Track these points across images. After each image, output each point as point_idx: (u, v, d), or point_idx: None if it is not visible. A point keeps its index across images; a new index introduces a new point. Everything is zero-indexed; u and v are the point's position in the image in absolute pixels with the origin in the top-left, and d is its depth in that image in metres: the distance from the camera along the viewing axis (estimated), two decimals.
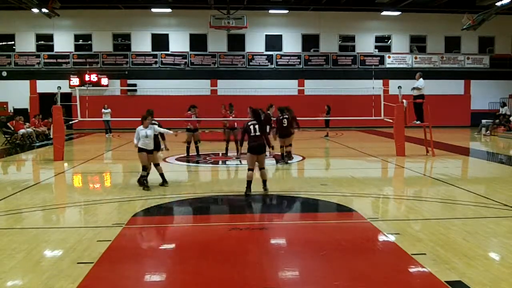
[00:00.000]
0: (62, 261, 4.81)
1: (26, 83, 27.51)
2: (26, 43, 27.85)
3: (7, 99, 27.29)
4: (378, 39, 29.72)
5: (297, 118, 13.12)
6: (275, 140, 12.06)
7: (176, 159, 13.35)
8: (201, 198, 8.29)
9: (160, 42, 28.35)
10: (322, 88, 25.81)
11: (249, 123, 8.43)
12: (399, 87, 14.55)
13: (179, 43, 28.41)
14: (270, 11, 27.85)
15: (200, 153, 13.98)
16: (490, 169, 12.11)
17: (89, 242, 5.45)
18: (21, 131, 18.23)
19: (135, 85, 27.19)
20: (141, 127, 9.17)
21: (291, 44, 28.94)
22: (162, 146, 9.82)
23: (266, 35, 28.84)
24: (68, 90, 22.45)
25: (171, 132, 10.16)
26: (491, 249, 5.29)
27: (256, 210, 7.68)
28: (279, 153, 12.35)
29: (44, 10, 23.33)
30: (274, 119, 12.54)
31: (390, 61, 29.26)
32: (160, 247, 5.49)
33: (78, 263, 4.74)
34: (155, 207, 7.44)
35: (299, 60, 28.84)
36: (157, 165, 9.38)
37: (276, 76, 28.03)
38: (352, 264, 4.82)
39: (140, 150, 9.02)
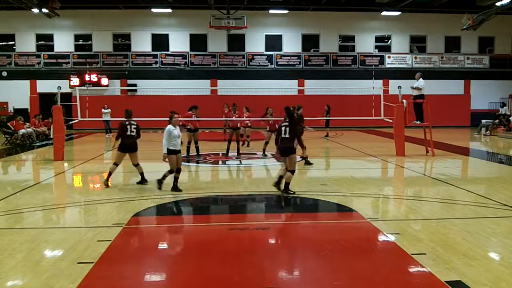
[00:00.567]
0: (62, 261, 4.81)
1: (26, 83, 27.51)
2: (26, 43, 27.85)
3: (7, 99, 27.30)
4: (378, 39, 29.72)
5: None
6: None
7: None
8: (201, 198, 8.29)
9: (160, 42, 28.36)
10: (322, 88, 25.78)
11: (282, 124, 8.35)
12: (399, 87, 14.56)
13: (179, 43, 28.41)
14: (270, 11, 27.86)
15: (200, 153, 13.99)
16: (490, 169, 12.12)
17: (89, 242, 5.45)
18: (21, 131, 18.24)
19: (135, 85, 27.19)
20: (171, 126, 8.50)
21: (291, 44, 28.94)
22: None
23: (266, 35, 28.84)
24: (68, 90, 22.45)
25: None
26: (491, 249, 5.29)
27: (256, 210, 7.69)
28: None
29: (44, 10, 23.33)
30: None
31: (390, 61, 29.27)
32: (160, 247, 5.49)
33: (78, 263, 4.74)
34: (155, 207, 7.44)
35: (299, 60, 28.85)
36: (137, 165, 9.15)
37: (276, 76, 28.03)
38: (352, 264, 4.82)
39: (171, 152, 8.46)
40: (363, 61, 29.10)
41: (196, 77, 27.49)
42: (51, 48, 28.00)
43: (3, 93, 27.06)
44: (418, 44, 29.71)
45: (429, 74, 25.36)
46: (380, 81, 24.76)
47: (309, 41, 29.16)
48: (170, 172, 8.53)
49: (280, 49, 28.89)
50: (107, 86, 27.04)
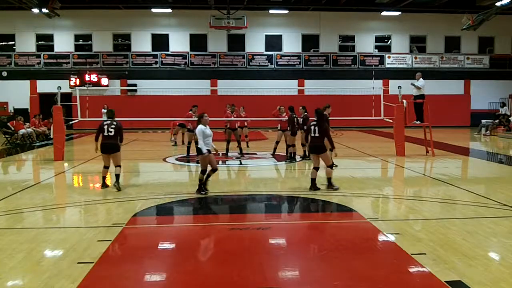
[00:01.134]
0: (62, 261, 4.81)
1: (26, 83, 27.53)
2: (26, 43, 27.87)
3: (7, 99, 27.32)
4: (378, 39, 29.73)
5: (298, 118, 13.22)
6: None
7: (176, 159, 13.36)
8: (201, 198, 8.29)
9: (160, 42, 28.37)
10: (322, 88, 25.80)
11: (311, 124, 8.65)
12: (399, 87, 14.57)
13: (179, 43, 28.43)
14: (270, 11, 27.87)
15: None
16: (490, 169, 12.12)
17: (89, 242, 5.45)
18: (21, 131, 18.24)
19: (135, 85, 27.21)
20: (203, 126, 8.20)
21: (291, 44, 28.96)
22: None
23: (266, 35, 28.86)
24: (68, 90, 22.48)
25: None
26: (491, 249, 5.29)
27: (256, 210, 7.68)
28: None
29: (44, 10, 23.35)
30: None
31: (390, 61, 29.28)
32: (160, 247, 5.49)
33: (78, 263, 4.74)
34: (155, 207, 7.44)
35: (299, 60, 28.85)
36: (117, 166, 8.64)
37: (276, 76, 28.05)
38: (352, 264, 4.82)
39: (207, 152, 8.16)
40: (363, 61, 29.11)
41: (196, 77, 27.51)
42: (51, 48, 28.02)
43: (3, 93, 27.09)
44: (418, 44, 29.73)
45: (429, 74, 25.38)
46: (380, 81, 24.78)
47: (309, 41, 29.17)
48: (203, 172, 8.26)
49: (280, 49, 28.90)
50: (107, 86, 27.05)
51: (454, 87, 29.34)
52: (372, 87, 18.64)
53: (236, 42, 28.56)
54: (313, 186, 8.50)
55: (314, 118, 8.67)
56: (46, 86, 26.24)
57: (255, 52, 28.71)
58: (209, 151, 8.15)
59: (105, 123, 8.73)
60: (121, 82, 27.67)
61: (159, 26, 28.39)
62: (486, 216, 6.62)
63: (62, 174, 11.29)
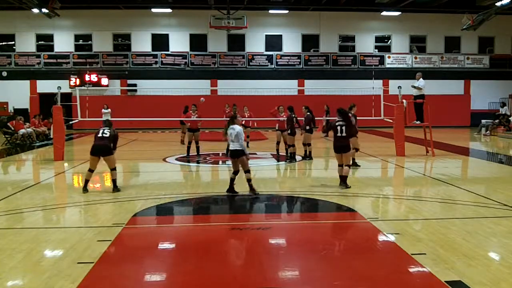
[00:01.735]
0: (62, 261, 4.80)
1: (26, 83, 27.53)
2: (26, 43, 27.87)
3: (7, 99, 27.32)
4: (378, 39, 29.73)
5: (298, 118, 13.20)
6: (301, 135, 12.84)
7: (176, 159, 13.36)
8: (201, 198, 8.29)
9: (160, 42, 28.37)
10: (322, 88, 25.81)
11: (337, 123, 8.78)
12: (399, 87, 14.56)
13: (179, 43, 28.43)
14: (270, 11, 27.87)
15: (200, 153, 14.01)
16: (490, 169, 12.11)
17: (89, 242, 5.45)
18: (21, 131, 18.24)
19: (135, 85, 27.21)
20: (239, 126, 8.19)
21: (291, 44, 28.95)
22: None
23: (266, 35, 28.86)
24: (68, 90, 22.48)
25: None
26: (491, 249, 5.29)
27: (256, 210, 7.68)
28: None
29: (44, 10, 23.34)
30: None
31: (390, 61, 29.28)
32: (160, 247, 5.49)
33: (78, 263, 4.74)
34: (155, 207, 7.44)
35: (299, 60, 28.85)
36: (113, 169, 8.50)
37: (276, 76, 28.05)
38: (352, 264, 4.82)
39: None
40: (363, 61, 29.11)
41: (196, 77, 27.50)
42: (51, 48, 28.02)
43: (3, 93, 27.09)
44: (418, 44, 29.73)
45: (429, 74, 25.35)
46: (380, 81, 24.76)
47: (309, 41, 29.17)
48: (235, 173, 8.17)
49: (280, 49, 28.90)
50: (107, 86, 27.06)
51: (454, 87, 29.34)
52: (372, 87, 18.63)
53: (236, 42, 28.57)
54: (344, 183, 8.72)
55: (339, 118, 8.82)
56: (46, 86, 26.23)
57: (255, 52, 28.72)
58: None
59: (101, 127, 8.69)
60: (121, 82, 27.67)
61: (159, 26, 28.39)
62: (486, 216, 6.62)
63: (62, 174, 11.29)
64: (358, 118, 11.62)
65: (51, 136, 14.37)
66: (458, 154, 14.78)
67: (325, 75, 28.16)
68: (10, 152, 15.98)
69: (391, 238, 5.61)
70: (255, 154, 14.57)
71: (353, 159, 11.34)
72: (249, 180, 8.11)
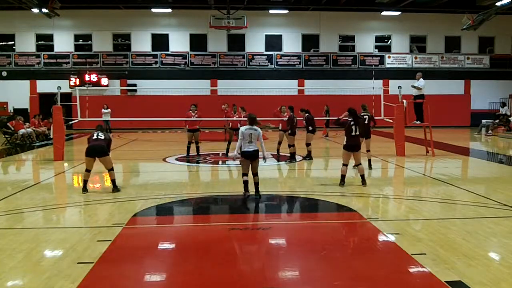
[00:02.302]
0: (62, 261, 4.80)
1: (26, 83, 27.52)
2: (26, 43, 27.86)
3: (7, 99, 27.31)
4: (378, 39, 29.73)
5: (297, 118, 13.22)
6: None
7: (176, 159, 13.36)
8: (201, 198, 8.29)
9: (160, 42, 28.37)
10: (322, 88, 25.82)
11: (351, 123, 8.94)
12: (399, 87, 14.56)
13: (179, 43, 28.42)
14: (270, 11, 27.87)
15: (200, 153, 14.00)
16: (490, 169, 12.11)
17: (89, 242, 5.45)
18: (21, 131, 18.23)
19: (135, 85, 27.20)
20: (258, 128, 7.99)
21: (291, 44, 28.95)
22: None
23: (266, 35, 28.85)
24: (68, 90, 22.47)
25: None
26: (491, 249, 5.29)
27: (256, 210, 7.68)
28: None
29: (44, 10, 23.33)
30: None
31: (390, 61, 29.27)
32: (160, 247, 5.49)
33: (78, 263, 4.74)
34: (155, 207, 7.44)
35: (299, 60, 28.85)
36: (110, 170, 8.52)
37: (276, 76, 28.04)
38: (352, 264, 4.82)
39: (245, 154, 7.92)
40: (363, 61, 29.11)
41: (196, 77, 27.50)
42: (51, 48, 28.02)
43: (3, 93, 27.08)
44: (418, 44, 29.73)
45: (429, 74, 25.36)
46: (380, 81, 24.78)
47: (309, 41, 29.17)
48: (246, 175, 7.90)
49: (280, 49, 28.90)
50: (107, 86, 27.05)
51: (454, 87, 29.34)
52: (372, 87, 18.64)
53: (236, 42, 28.56)
54: (342, 182, 8.88)
55: (351, 118, 9.02)
56: (46, 86, 26.22)
57: (255, 52, 28.71)
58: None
59: (94, 132, 8.69)
60: (121, 82, 27.67)
61: (159, 26, 28.38)
62: (486, 216, 6.62)
63: (62, 174, 11.29)
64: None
65: (51, 136, 14.35)
66: (458, 154, 14.78)
67: (325, 75, 28.16)
68: (10, 152, 15.98)
69: (391, 238, 5.61)
70: None
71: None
72: (258, 183, 7.86)
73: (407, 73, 24.14)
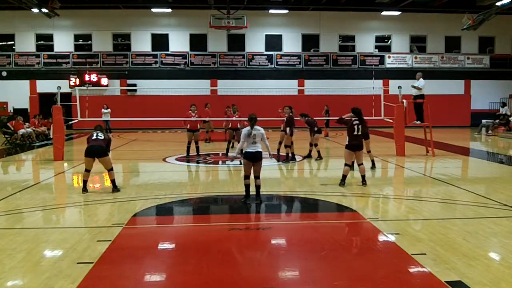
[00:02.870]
0: (62, 261, 4.80)
1: (26, 83, 27.53)
2: (26, 43, 27.86)
3: (7, 99, 27.32)
4: (378, 39, 29.73)
5: (296, 118, 13.23)
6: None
7: (176, 159, 13.36)
8: (201, 198, 8.29)
9: (160, 42, 28.37)
10: (322, 88, 25.82)
11: (354, 123, 9.00)
12: (399, 87, 14.55)
13: (179, 43, 28.42)
14: (270, 11, 27.86)
15: (200, 153, 14.00)
16: (490, 169, 12.11)
17: (89, 242, 5.45)
18: (21, 131, 18.23)
19: (135, 85, 27.20)
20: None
21: (291, 44, 28.95)
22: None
23: (266, 35, 28.85)
24: (68, 90, 22.48)
25: None
26: (491, 249, 5.28)
27: (256, 210, 7.68)
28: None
29: (44, 10, 23.34)
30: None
31: (390, 61, 29.27)
32: (160, 247, 5.49)
33: (78, 263, 4.73)
34: (155, 207, 7.44)
35: (299, 60, 28.84)
36: (109, 170, 8.50)
37: (276, 76, 28.04)
38: (352, 264, 4.82)
39: (247, 155, 7.72)
40: (363, 61, 29.10)
41: (196, 77, 27.51)
42: (51, 48, 28.02)
43: (3, 93, 27.09)
44: (418, 44, 29.73)
45: (429, 74, 25.35)
46: (380, 81, 24.79)
47: (309, 41, 29.17)
48: (248, 178, 7.66)
49: (280, 49, 28.90)
50: (107, 86, 27.05)
51: (454, 87, 29.34)
52: (372, 87, 18.63)
53: (236, 42, 28.56)
54: (343, 182, 8.87)
55: (355, 117, 9.07)
56: (45, 86, 26.22)
57: (255, 52, 28.71)
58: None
59: (94, 132, 8.68)
60: (121, 82, 27.67)
61: (159, 26, 28.38)
62: (486, 216, 6.62)
63: (62, 174, 11.29)
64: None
65: (51, 136, 14.35)
66: (458, 154, 14.78)
67: (325, 75, 28.15)
68: (10, 152, 15.98)
69: (391, 238, 5.61)
70: None
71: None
72: (259, 187, 7.65)
73: (407, 73, 24.13)
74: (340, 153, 15.53)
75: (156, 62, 28.18)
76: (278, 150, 13.75)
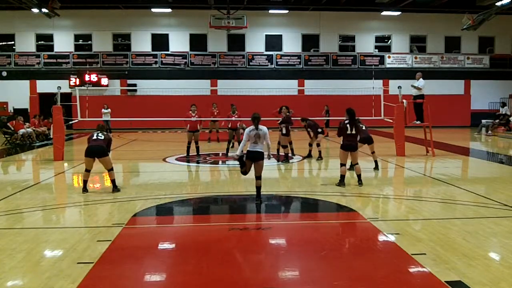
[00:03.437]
0: (62, 261, 4.80)
1: (26, 83, 27.52)
2: (26, 43, 27.86)
3: (7, 99, 27.31)
4: (378, 39, 29.73)
5: (295, 119, 13.25)
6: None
7: (176, 159, 13.36)
8: (201, 198, 8.29)
9: (160, 42, 28.36)
10: (322, 88, 25.80)
11: (346, 122, 9.02)
12: (399, 87, 14.55)
13: (179, 43, 28.41)
14: (270, 11, 27.86)
15: (200, 153, 14.00)
16: (490, 169, 12.11)
17: (89, 242, 5.45)
18: (21, 131, 18.24)
19: (135, 85, 27.20)
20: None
21: (291, 44, 28.94)
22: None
23: (266, 35, 28.84)
24: (68, 90, 22.47)
25: None
26: (491, 249, 5.29)
27: (256, 210, 7.68)
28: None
29: (44, 10, 23.32)
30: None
31: (390, 61, 29.27)
32: (160, 247, 5.49)
33: (78, 263, 4.73)
34: (155, 207, 7.44)
35: (299, 60, 28.84)
36: (110, 170, 8.52)
37: (276, 76, 28.03)
38: (352, 264, 4.82)
39: (249, 154, 7.67)
40: (363, 61, 29.10)
41: (196, 77, 27.50)
42: (51, 48, 28.01)
43: (3, 93, 27.08)
44: (418, 44, 29.72)
45: (429, 74, 25.35)
46: (380, 81, 24.75)
47: (309, 41, 29.16)
48: (245, 174, 7.70)
49: (280, 49, 28.89)
50: (107, 86, 27.05)
51: (454, 87, 29.34)
52: (372, 87, 18.62)
53: (236, 42, 28.55)
54: (342, 182, 8.87)
55: (347, 117, 9.08)
56: (46, 86, 26.21)
57: (255, 52, 28.70)
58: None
59: (95, 132, 8.69)
60: (121, 82, 27.66)
61: (159, 26, 28.37)
62: (486, 216, 6.62)
63: (62, 174, 11.29)
64: (358, 118, 11.65)
65: (51, 136, 14.36)
66: (458, 154, 14.78)
67: (325, 75, 28.15)
68: (10, 152, 15.98)
69: (391, 238, 5.61)
70: None
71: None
72: (260, 187, 7.59)
73: (407, 73, 24.11)
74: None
75: (156, 62, 28.18)
76: (278, 150, 13.76)
